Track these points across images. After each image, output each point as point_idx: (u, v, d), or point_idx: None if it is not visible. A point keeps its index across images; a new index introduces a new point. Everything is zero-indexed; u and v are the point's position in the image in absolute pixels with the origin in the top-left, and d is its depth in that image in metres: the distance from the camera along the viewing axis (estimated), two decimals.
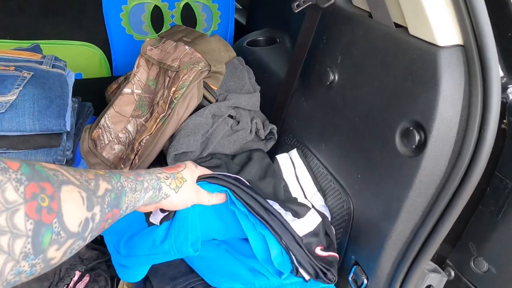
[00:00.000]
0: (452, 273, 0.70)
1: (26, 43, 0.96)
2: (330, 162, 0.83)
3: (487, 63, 0.55)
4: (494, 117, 0.55)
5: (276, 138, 1.02)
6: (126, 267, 0.73)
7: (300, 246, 0.72)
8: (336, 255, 0.76)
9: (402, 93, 0.65)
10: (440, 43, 0.58)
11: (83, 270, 0.79)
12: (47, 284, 0.75)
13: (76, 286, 0.78)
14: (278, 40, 1.25)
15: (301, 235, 0.74)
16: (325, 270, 0.72)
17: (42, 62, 0.86)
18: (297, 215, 0.77)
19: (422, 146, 0.61)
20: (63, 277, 0.77)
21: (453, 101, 0.58)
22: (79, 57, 1.35)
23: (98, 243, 0.85)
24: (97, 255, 0.83)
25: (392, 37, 0.67)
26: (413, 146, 0.62)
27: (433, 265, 0.70)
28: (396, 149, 0.65)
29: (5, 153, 0.77)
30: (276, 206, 0.76)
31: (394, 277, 0.69)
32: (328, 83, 0.81)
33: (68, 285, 0.77)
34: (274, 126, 1.02)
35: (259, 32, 1.34)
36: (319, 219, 0.78)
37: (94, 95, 1.17)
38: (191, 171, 0.68)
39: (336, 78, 0.80)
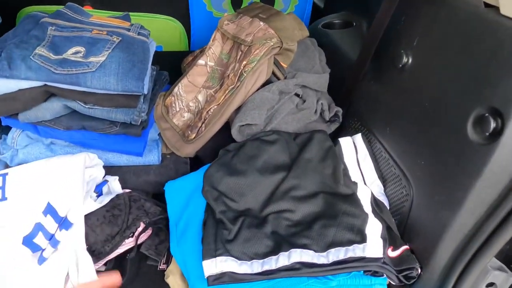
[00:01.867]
0: None
1: (118, 13, 1.05)
2: (394, 147, 0.81)
3: None
4: None
5: (341, 121, 1.01)
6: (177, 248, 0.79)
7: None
8: (407, 246, 0.74)
9: (481, 78, 0.61)
10: None
11: (147, 222, 0.86)
12: (116, 229, 0.83)
13: (140, 236, 0.85)
14: (354, 23, 1.22)
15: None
16: (406, 272, 0.71)
17: (130, 29, 0.93)
18: (361, 241, 0.72)
19: (497, 134, 0.57)
20: (130, 226, 0.84)
21: None
22: (162, 30, 1.44)
23: (162, 201, 0.92)
24: (160, 211, 0.89)
25: (480, 17, 0.63)
26: (487, 134, 0.58)
27: (498, 263, 0.66)
28: (467, 136, 0.62)
29: (92, 108, 0.85)
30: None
31: (451, 270, 0.66)
32: (401, 65, 0.78)
33: (133, 233, 0.85)
34: (340, 109, 1.01)
35: (336, 15, 1.32)
36: (380, 226, 0.74)
37: (171, 67, 1.25)
38: None
39: (410, 60, 0.77)
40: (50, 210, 0.76)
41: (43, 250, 0.73)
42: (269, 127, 0.94)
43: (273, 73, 0.96)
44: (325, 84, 1.02)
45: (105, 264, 0.83)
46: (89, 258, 0.74)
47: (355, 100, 0.98)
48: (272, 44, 0.91)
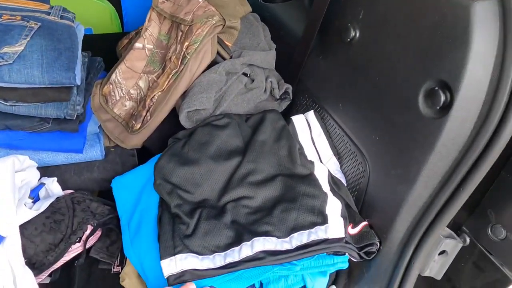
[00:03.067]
0: (468, 240, 0.69)
1: None
2: (347, 123, 0.81)
3: None
4: None
5: (291, 98, 0.99)
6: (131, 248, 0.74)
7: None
8: (366, 222, 0.74)
9: (428, 51, 0.61)
10: None
11: (95, 224, 0.80)
12: (60, 236, 0.75)
13: (89, 240, 0.79)
14: None
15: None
16: (367, 249, 0.72)
17: (50, 12, 0.82)
18: (322, 222, 0.71)
19: (447, 107, 0.57)
20: (76, 230, 0.78)
21: (484, 60, 0.54)
22: (89, 12, 1.31)
23: (110, 199, 0.85)
24: (108, 210, 0.83)
25: None
26: (438, 107, 0.58)
27: (448, 231, 0.69)
28: (419, 110, 0.62)
29: (14, 105, 0.75)
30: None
31: (408, 242, 0.68)
32: (349, 40, 0.77)
33: (80, 238, 0.78)
34: (290, 86, 0.98)
35: None
36: (339, 205, 0.74)
37: (105, 51, 1.14)
38: None
39: (357, 34, 0.76)
40: None
41: None
42: (218, 110, 0.89)
43: (218, 53, 0.90)
44: (272, 61, 0.99)
45: (49, 275, 0.76)
46: (29, 274, 0.67)
47: (305, 76, 0.96)
48: (214, 22, 0.86)
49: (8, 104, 0.75)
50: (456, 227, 0.71)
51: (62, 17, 0.83)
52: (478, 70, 0.54)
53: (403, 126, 0.65)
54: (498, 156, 0.58)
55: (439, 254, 0.68)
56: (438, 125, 0.59)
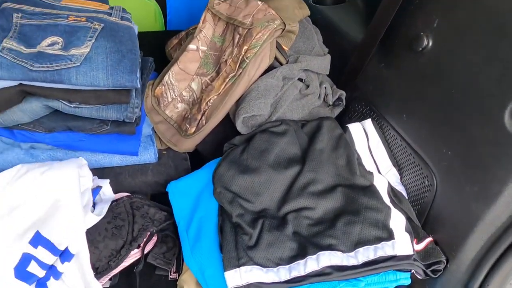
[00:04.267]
0: None
1: None
2: (412, 135, 0.78)
3: None
4: None
5: (344, 104, 0.97)
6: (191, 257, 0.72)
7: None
8: (431, 238, 0.72)
9: None
10: None
11: (154, 231, 0.79)
12: (121, 243, 0.75)
13: (146, 246, 0.78)
14: None
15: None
16: (433, 266, 0.69)
17: (111, 13, 0.82)
18: (388, 237, 0.68)
19: None
20: (136, 237, 0.77)
21: None
22: (134, 10, 1.29)
23: (162, 202, 0.85)
24: (165, 216, 0.82)
25: None
26: None
27: None
28: (504, 126, 0.59)
29: (78, 107, 0.75)
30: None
31: (480, 263, 0.65)
32: (420, 49, 0.73)
33: (140, 245, 0.78)
34: (343, 92, 0.96)
35: None
36: (403, 219, 0.72)
37: (150, 49, 1.13)
38: None
39: (430, 44, 0.73)
40: (41, 240, 0.64)
41: (44, 279, 0.64)
42: (274, 116, 0.88)
43: (275, 57, 0.88)
44: (328, 67, 0.97)
45: (110, 279, 0.76)
46: (98, 285, 0.66)
47: (361, 83, 0.93)
48: (275, 26, 0.84)
49: (72, 106, 0.74)
50: None
51: (122, 18, 0.82)
52: None
53: (483, 142, 0.62)
54: None
55: None
56: None
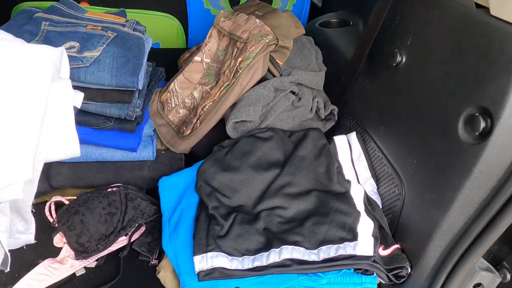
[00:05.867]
0: (508, 276, 0.65)
1: (114, 9, 1.05)
2: (387, 146, 0.81)
3: None
4: None
5: (336, 119, 1.01)
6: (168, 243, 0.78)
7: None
8: (397, 246, 0.75)
9: (472, 78, 0.61)
10: None
11: (142, 223, 0.86)
12: (111, 229, 0.83)
13: (134, 234, 0.86)
14: (351, 23, 1.22)
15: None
16: (397, 271, 0.72)
17: (125, 25, 0.93)
18: (352, 239, 0.72)
19: (487, 133, 0.57)
20: (125, 227, 0.84)
21: None
22: (159, 27, 1.43)
23: (156, 197, 0.92)
24: (155, 210, 0.89)
25: (471, 18, 0.63)
26: (477, 133, 0.58)
27: (486, 264, 0.66)
28: (457, 136, 0.62)
29: (86, 103, 0.86)
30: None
31: (440, 269, 0.67)
32: (395, 64, 0.78)
33: (127, 234, 0.85)
34: (335, 107, 1.01)
35: (333, 14, 1.32)
36: (372, 225, 0.75)
37: (169, 64, 1.25)
38: None
39: (404, 60, 0.77)
40: None
41: None
42: (264, 124, 0.94)
43: (269, 70, 0.96)
44: (320, 82, 1.02)
45: (96, 260, 0.83)
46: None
47: (350, 99, 0.98)
48: (267, 41, 0.92)
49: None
50: (496, 261, 0.68)
51: (134, 29, 0.93)
52: None
53: (441, 151, 0.65)
54: None
55: (474, 286, 0.66)
56: (476, 151, 0.58)
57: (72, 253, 0.81)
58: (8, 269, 0.64)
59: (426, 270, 0.69)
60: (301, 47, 1.08)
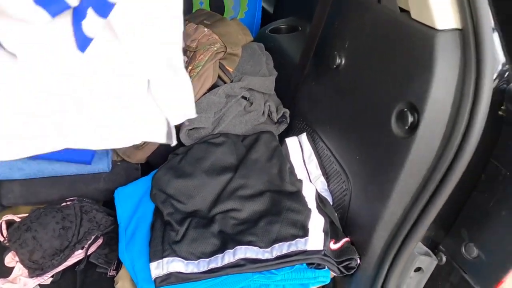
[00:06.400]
0: (444, 258, 0.70)
1: None
2: (334, 144, 0.85)
3: (482, 47, 0.55)
4: (485, 101, 0.55)
5: (288, 121, 1.05)
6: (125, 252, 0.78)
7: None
8: (347, 239, 0.78)
9: (400, 76, 0.66)
10: (438, 26, 0.59)
11: (99, 235, 0.86)
12: (66, 243, 0.82)
13: (90, 247, 0.85)
14: (300, 28, 1.27)
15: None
16: (347, 263, 0.75)
17: None
18: (303, 235, 0.75)
19: (415, 127, 0.62)
20: (81, 240, 0.84)
21: (446, 84, 0.59)
22: None
23: (113, 208, 0.92)
24: (111, 221, 0.89)
25: (396, 21, 0.68)
26: (406, 127, 0.63)
27: (425, 249, 0.71)
28: (391, 131, 0.66)
29: None
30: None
31: (384, 257, 0.71)
32: (335, 66, 0.83)
33: (84, 247, 0.85)
34: (287, 110, 1.05)
35: (283, 20, 1.36)
36: (322, 221, 0.78)
37: None
38: None
39: (343, 62, 0.82)
40: None
41: (80, 10, 0.50)
42: (217, 130, 0.96)
43: (220, 77, 0.98)
44: (271, 87, 1.06)
45: (52, 276, 0.82)
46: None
47: (300, 101, 1.02)
48: (215, 49, 0.94)
49: None
50: (433, 246, 0.73)
51: None
52: (441, 93, 0.59)
53: (378, 146, 0.70)
54: (469, 177, 0.61)
55: (415, 271, 0.70)
56: (407, 144, 0.63)
57: (26, 271, 0.80)
58: (174, 142, 0.66)
59: (373, 259, 0.73)
60: (251, 54, 1.11)
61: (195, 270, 0.71)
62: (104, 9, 0.50)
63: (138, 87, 0.60)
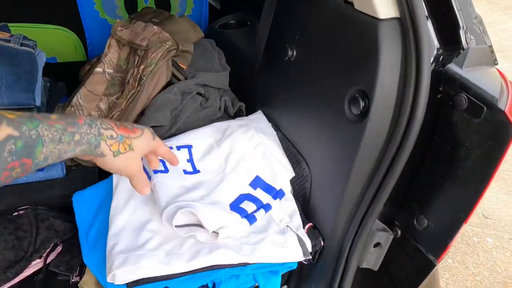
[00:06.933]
0: (399, 232, 0.76)
1: None
2: (292, 134, 0.88)
3: (419, 34, 0.60)
4: (425, 83, 0.60)
5: (245, 115, 1.07)
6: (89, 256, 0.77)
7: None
8: (310, 224, 0.81)
9: (349, 65, 0.70)
10: (380, 15, 0.63)
11: (57, 242, 0.82)
12: (21, 254, 0.78)
13: (49, 255, 0.82)
14: (249, 23, 1.29)
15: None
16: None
17: (10, 40, 0.88)
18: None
19: (366, 112, 0.66)
20: (39, 249, 0.80)
21: (391, 70, 0.63)
22: (53, 41, 1.36)
23: (72, 214, 0.89)
24: (71, 227, 0.86)
25: (341, 13, 0.71)
26: (359, 113, 0.67)
27: (382, 225, 0.76)
28: (345, 116, 0.70)
29: None
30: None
31: (346, 237, 0.75)
32: (287, 58, 0.85)
33: (42, 256, 0.81)
34: (243, 104, 1.06)
35: (231, 16, 1.37)
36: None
37: (70, 78, 1.20)
38: (146, 141, 0.62)
39: (295, 53, 0.85)
40: (259, 183, 0.82)
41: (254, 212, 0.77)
42: (174, 127, 0.96)
43: (173, 75, 0.98)
44: (225, 82, 1.07)
45: None
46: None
47: (255, 94, 1.04)
48: (167, 46, 0.93)
49: None
50: (389, 221, 0.78)
51: (22, 44, 0.89)
52: (387, 79, 0.63)
53: (334, 132, 0.74)
54: (416, 155, 0.66)
55: (374, 246, 0.75)
56: (360, 128, 0.67)
57: None
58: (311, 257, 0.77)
59: (336, 240, 0.77)
60: (203, 50, 1.11)
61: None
62: None
63: None
